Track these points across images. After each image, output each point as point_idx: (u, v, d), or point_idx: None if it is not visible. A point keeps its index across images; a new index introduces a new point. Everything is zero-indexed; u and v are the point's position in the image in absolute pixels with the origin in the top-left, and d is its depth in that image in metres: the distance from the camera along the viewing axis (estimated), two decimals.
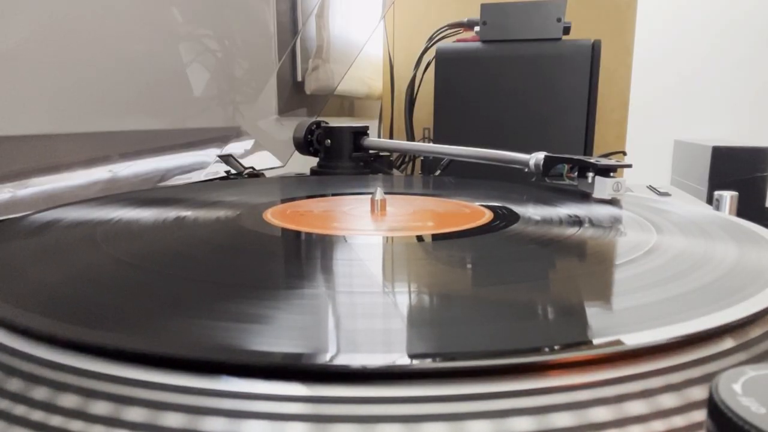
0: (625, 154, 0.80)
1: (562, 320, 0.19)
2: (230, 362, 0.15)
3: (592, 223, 0.34)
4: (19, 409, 0.14)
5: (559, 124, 0.68)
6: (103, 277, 0.23)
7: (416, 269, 0.26)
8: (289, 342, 0.17)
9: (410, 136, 0.81)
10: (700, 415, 0.14)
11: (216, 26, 0.66)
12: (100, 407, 0.14)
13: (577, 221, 0.34)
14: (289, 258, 0.29)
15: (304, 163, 0.70)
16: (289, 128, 0.67)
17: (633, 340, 0.16)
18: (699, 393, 0.15)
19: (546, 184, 0.49)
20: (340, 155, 0.63)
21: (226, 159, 0.66)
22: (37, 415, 0.14)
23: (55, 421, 0.14)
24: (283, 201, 0.42)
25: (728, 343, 0.17)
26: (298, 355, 0.15)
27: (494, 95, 0.70)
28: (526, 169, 0.49)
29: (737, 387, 0.11)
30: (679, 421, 0.14)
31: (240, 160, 0.67)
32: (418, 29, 0.84)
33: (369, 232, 0.33)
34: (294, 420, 0.13)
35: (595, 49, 0.66)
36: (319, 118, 0.66)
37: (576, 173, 0.46)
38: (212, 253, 0.29)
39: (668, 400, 0.14)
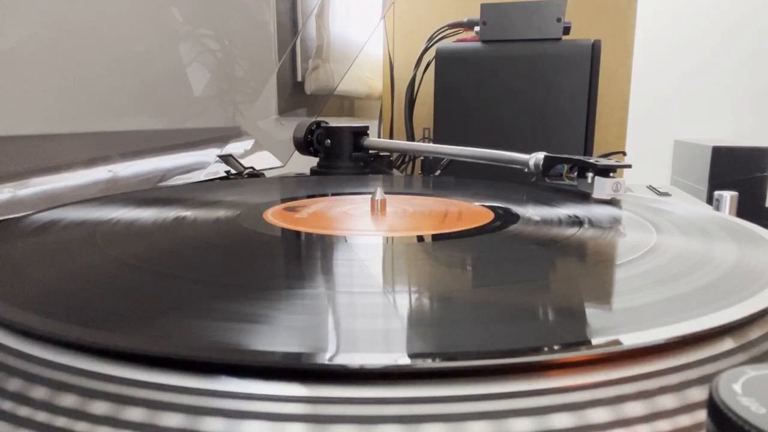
0: (625, 154, 0.80)
1: (562, 320, 0.19)
2: (230, 362, 0.15)
3: (592, 223, 0.34)
4: (9, 406, 0.14)
5: (559, 124, 0.68)
6: (103, 277, 0.23)
7: (416, 269, 0.26)
8: (289, 342, 0.17)
9: (410, 136, 0.80)
10: (700, 416, 0.14)
11: (216, 26, 0.66)
12: (100, 407, 0.14)
13: (576, 221, 0.34)
14: (289, 258, 0.29)
15: (304, 163, 0.70)
16: (289, 128, 0.67)
17: (633, 340, 0.16)
18: (699, 393, 0.15)
19: (546, 184, 0.49)
20: (340, 155, 0.63)
21: (226, 159, 0.66)
22: (27, 412, 0.14)
23: (47, 419, 0.14)
24: (283, 201, 0.42)
25: (728, 343, 0.17)
26: (298, 355, 0.15)
27: (494, 95, 0.70)
28: (526, 169, 0.49)
29: (737, 387, 0.11)
30: (678, 421, 0.14)
31: (240, 160, 0.67)
32: (418, 29, 0.84)
33: (369, 232, 0.33)
34: (293, 420, 0.13)
35: (595, 49, 0.66)
36: (319, 118, 0.66)
37: (576, 173, 0.46)
38: (212, 253, 0.29)
39: (668, 401, 0.14)
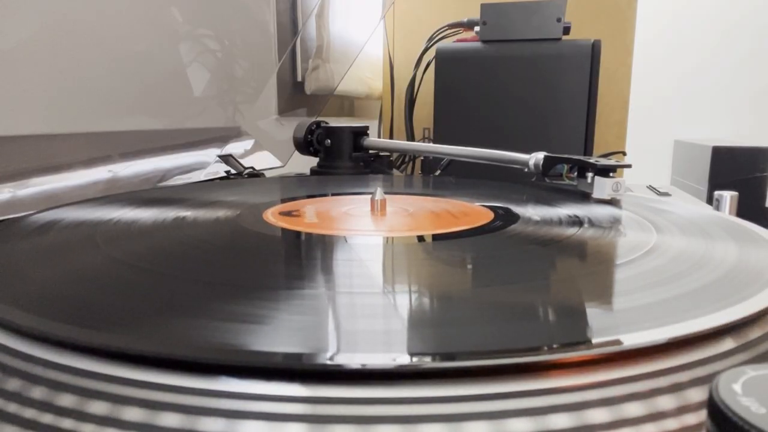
0: (625, 154, 0.80)
1: (562, 320, 0.19)
2: (230, 362, 0.15)
3: (592, 223, 0.34)
4: (13, 407, 0.14)
5: (559, 124, 0.68)
6: (103, 277, 0.23)
7: (416, 269, 0.26)
8: (289, 342, 0.17)
9: (410, 136, 0.81)
10: (700, 416, 0.14)
11: (216, 26, 0.66)
12: (99, 407, 0.14)
13: (576, 221, 0.34)
14: (289, 258, 0.29)
15: (304, 163, 0.70)
16: (289, 128, 0.67)
17: (633, 340, 0.16)
18: (699, 393, 0.15)
19: (546, 184, 0.49)
20: (340, 155, 0.63)
21: (226, 159, 0.66)
22: (31, 413, 0.14)
23: (46, 419, 0.14)
24: (283, 201, 0.42)
25: (728, 343, 0.17)
26: (298, 355, 0.15)
27: (494, 95, 0.70)
28: (526, 169, 0.49)
29: (737, 387, 0.11)
30: (678, 422, 0.14)
31: (240, 160, 0.67)
32: (418, 29, 0.84)
33: (369, 232, 0.33)
34: (293, 421, 0.13)
35: (595, 49, 0.66)
36: (319, 118, 0.66)
37: (576, 173, 0.46)
38: (212, 253, 0.28)
39: (668, 401, 0.14)
